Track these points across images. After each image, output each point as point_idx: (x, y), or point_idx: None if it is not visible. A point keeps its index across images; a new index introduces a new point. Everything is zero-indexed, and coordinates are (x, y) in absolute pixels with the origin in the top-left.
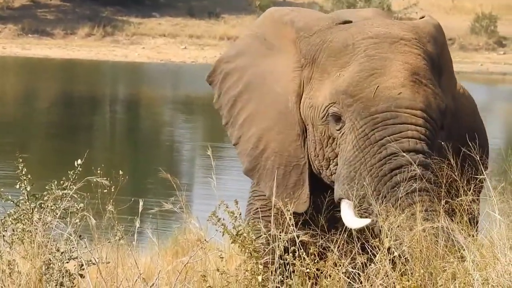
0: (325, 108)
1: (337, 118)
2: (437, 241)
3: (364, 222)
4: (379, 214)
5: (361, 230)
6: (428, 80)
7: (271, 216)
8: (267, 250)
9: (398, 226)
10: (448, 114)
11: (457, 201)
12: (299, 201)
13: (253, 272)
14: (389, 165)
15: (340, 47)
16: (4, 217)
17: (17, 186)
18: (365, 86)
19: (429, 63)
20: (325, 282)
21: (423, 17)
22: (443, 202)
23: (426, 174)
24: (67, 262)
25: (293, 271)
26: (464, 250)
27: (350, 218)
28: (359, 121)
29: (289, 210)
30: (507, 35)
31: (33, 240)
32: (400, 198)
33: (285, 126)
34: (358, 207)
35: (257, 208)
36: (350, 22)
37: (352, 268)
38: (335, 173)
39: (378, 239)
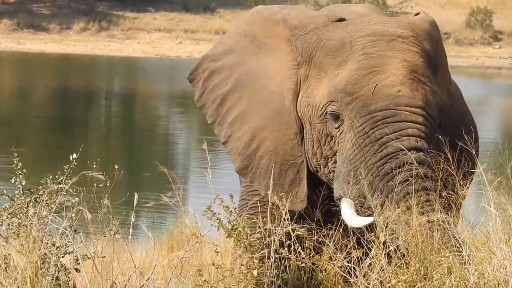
0: (323, 107)
1: (336, 117)
2: (433, 235)
3: (366, 221)
4: (375, 209)
5: None
6: (426, 78)
7: (267, 211)
8: (262, 244)
9: (393, 221)
10: (445, 110)
11: (454, 196)
12: (296, 199)
13: (248, 267)
14: (390, 164)
15: (337, 45)
16: None
17: (12, 181)
18: (364, 84)
19: (426, 61)
20: (320, 276)
21: (418, 13)
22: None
23: (427, 173)
24: (63, 257)
25: (289, 266)
26: (459, 244)
27: (351, 217)
28: (358, 119)
29: (284, 205)
30: (502, 29)
31: (29, 235)
32: (402, 198)
33: (280, 124)
34: (358, 206)
35: (255, 203)
36: (344, 19)
37: (348, 262)
38: (333, 171)
39: (373, 233)
